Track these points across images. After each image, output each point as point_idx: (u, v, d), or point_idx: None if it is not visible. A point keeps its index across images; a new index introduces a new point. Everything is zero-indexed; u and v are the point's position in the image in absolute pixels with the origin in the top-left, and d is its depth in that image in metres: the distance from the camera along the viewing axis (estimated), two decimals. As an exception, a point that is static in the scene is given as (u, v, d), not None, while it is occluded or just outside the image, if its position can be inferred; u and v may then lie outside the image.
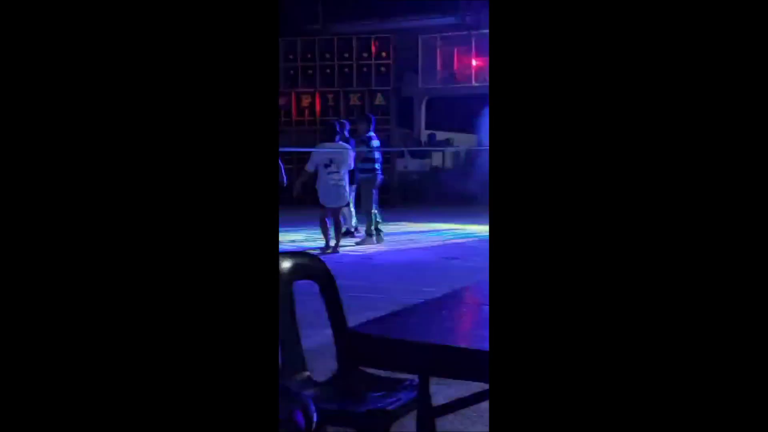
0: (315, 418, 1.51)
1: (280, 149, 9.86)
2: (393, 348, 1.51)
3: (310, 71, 15.88)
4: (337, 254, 7.88)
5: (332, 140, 8.25)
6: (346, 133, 8.72)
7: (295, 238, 9.22)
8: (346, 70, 15.74)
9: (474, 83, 15.65)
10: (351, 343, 1.71)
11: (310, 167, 8.14)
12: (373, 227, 8.84)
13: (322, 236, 8.22)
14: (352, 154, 8.26)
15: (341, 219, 8.33)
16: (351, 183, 8.40)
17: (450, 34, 15.95)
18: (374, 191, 8.86)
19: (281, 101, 15.16)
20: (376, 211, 8.90)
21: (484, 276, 1.33)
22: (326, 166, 8.02)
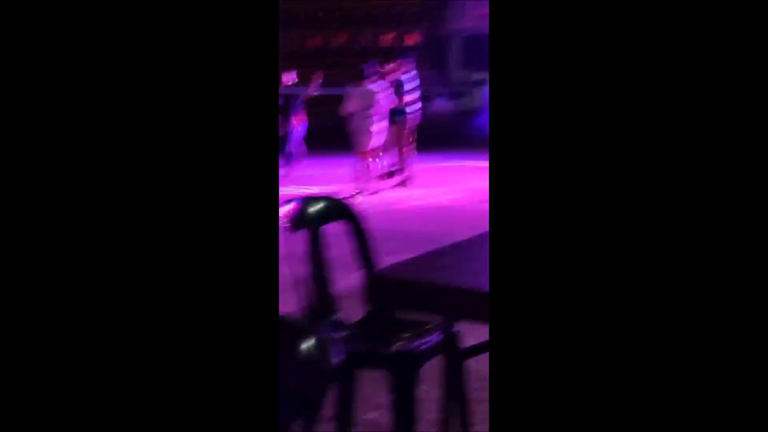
0: (338, 356, 1.53)
1: (315, 93, 9.80)
2: (420, 291, 1.52)
3: (341, 11, 15.67)
4: (368, 198, 7.89)
5: (361, 83, 8.21)
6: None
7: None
8: (374, 12, 15.48)
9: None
10: (379, 286, 1.72)
11: (344, 111, 8.16)
12: (403, 168, 8.89)
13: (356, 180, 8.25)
14: (382, 96, 8.21)
15: (375, 163, 8.35)
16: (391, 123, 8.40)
17: (485, -30, 15.61)
18: (408, 133, 8.87)
19: (316, 40, 15.01)
20: (407, 154, 8.93)
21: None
22: (363, 110, 8.01)
